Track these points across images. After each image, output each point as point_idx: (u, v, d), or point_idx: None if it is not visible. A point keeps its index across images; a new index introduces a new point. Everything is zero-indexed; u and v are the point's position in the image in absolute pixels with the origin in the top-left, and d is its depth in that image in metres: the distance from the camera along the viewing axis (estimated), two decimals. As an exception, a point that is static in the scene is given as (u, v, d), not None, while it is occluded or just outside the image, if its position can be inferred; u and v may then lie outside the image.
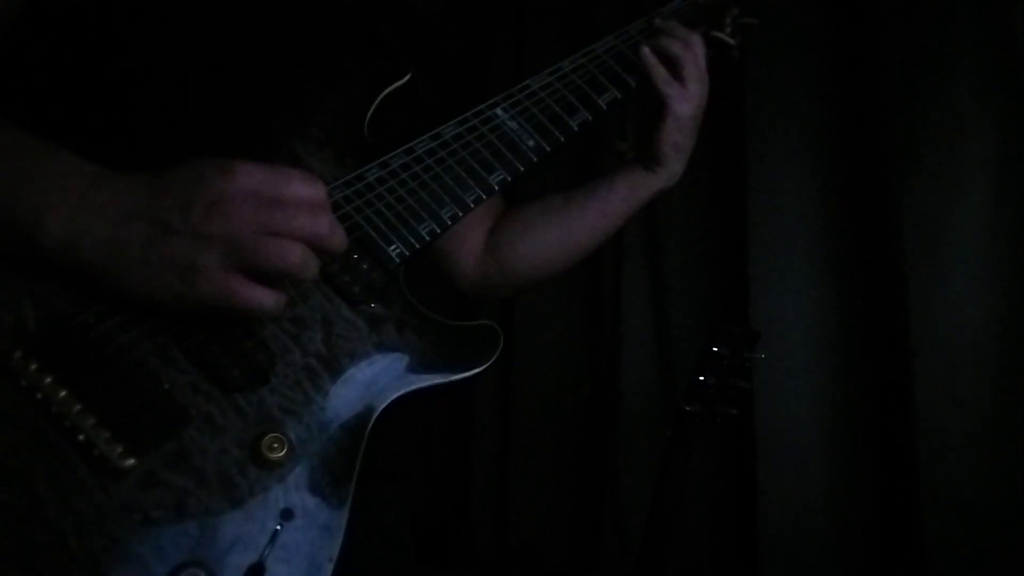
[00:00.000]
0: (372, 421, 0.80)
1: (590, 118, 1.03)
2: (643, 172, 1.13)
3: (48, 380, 0.70)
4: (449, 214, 0.91)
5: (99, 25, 0.87)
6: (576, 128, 1.02)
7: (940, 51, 1.95)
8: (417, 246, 0.88)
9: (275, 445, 0.74)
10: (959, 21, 1.94)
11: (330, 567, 0.72)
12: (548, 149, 1.00)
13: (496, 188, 0.96)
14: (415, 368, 0.84)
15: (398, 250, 0.87)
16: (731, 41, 1.17)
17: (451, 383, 0.85)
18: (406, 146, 0.93)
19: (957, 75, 1.94)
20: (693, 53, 1.07)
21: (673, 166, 1.12)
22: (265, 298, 0.72)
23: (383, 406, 0.81)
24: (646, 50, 1.06)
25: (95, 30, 0.87)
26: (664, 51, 1.06)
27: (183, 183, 0.71)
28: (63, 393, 0.70)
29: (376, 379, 0.81)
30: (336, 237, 0.74)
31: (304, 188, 0.73)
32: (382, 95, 0.93)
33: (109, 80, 0.88)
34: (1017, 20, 1.87)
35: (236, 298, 0.71)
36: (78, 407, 0.70)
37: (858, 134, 2.08)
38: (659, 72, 1.06)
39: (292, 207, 0.72)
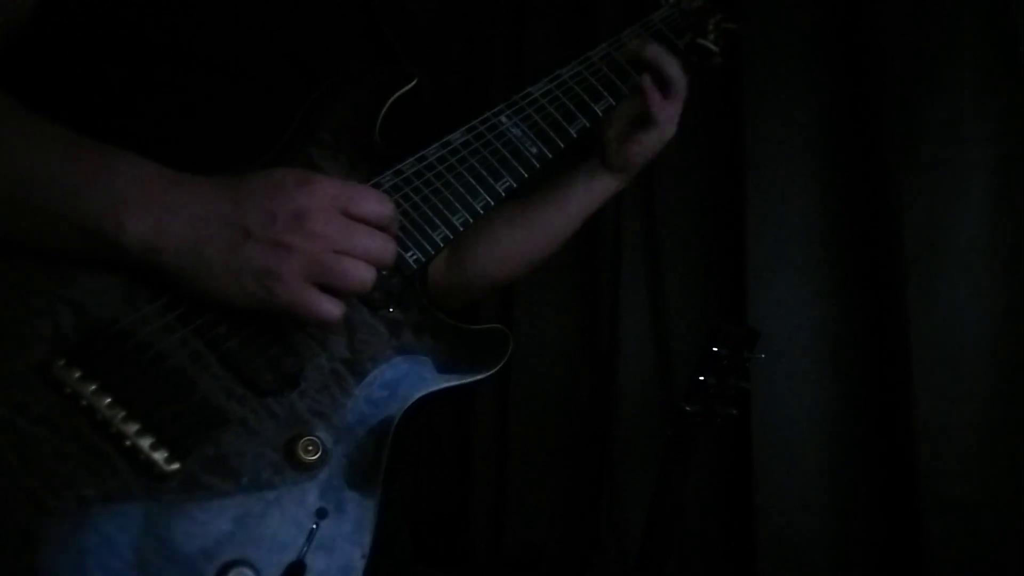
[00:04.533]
0: (395, 422, 0.82)
1: (588, 125, 1.07)
2: (606, 176, 1.18)
3: (92, 388, 0.72)
4: (460, 220, 0.94)
5: (108, 33, 0.87)
6: (575, 135, 1.05)
7: (940, 51, 1.95)
8: (432, 252, 0.91)
9: (310, 448, 0.76)
10: (959, 21, 1.94)
11: (363, 562, 0.76)
12: (550, 155, 1.03)
13: (503, 194, 0.98)
14: (433, 371, 0.86)
15: (415, 256, 0.90)
16: (714, 48, 1.22)
17: (465, 385, 0.87)
18: (418, 153, 0.95)
19: (957, 75, 1.94)
20: (682, 79, 1.13)
21: (632, 172, 1.18)
22: (334, 309, 0.76)
23: (405, 407, 0.83)
24: (647, 77, 1.11)
25: (104, 38, 0.87)
26: (665, 74, 1.12)
27: (265, 193, 0.75)
28: (107, 400, 0.72)
29: (398, 382, 0.84)
30: (394, 256, 0.79)
31: (376, 206, 0.78)
32: (391, 100, 0.95)
33: (120, 88, 0.88)
34: (1017, 20, 1.87)
35: (310, 308, 0.74)
36: (122, 414, 0.72)
37: (858, 134, 2.08)
38: (656, 97, 1.11)
39: (366, 229, 0.76)
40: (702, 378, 1.57)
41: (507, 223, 1.20)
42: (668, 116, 1.13)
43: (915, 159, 1.96)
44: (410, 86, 0.97)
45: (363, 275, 0.76)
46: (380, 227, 0.78)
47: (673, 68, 1.11)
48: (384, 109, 0.95)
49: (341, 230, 0.75)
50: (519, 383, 2.57)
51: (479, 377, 0.88)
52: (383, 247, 0.77)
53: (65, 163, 0.75)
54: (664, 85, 1.12)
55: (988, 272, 1.91)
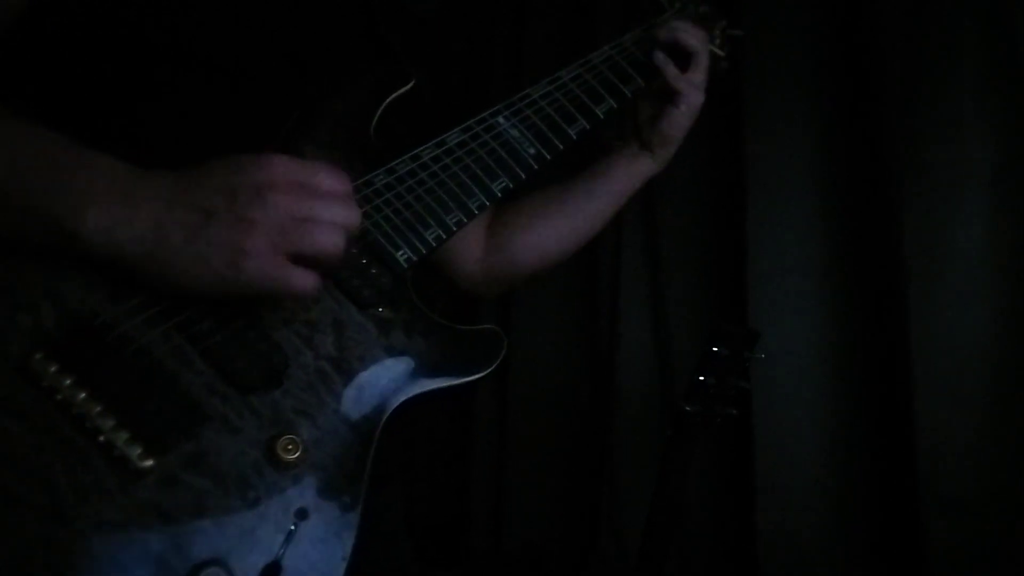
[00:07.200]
0: (382, 423, 0.81)
1: (588, 127, 1.06)
2: (641, 159, 1.19)
3: (68, 382, 0.71)
4: (455, 220, 0.93)
5: (108, 33, 0.87)
6: (575, 137, 1.05)
7: (940, 51, 1.95)
8: (424, 251, 0.90)
9: (290, 447, 0.75)
10: (959, 21, 1.94)
11: (343, 565, 0.74)
12: (549, 157, 1.02)
13: (499, 195, 0.98)
14: (423, 371, 0.85)
15: (406, 255, 0.89)
16: (721, 53, 1.23)
17: (457, 386, 0.86)
18: (412, 152, 0.95)
19: (957, 75, 1.94)
20: (703, 42, 1.16)
21: (670, 151, 1.19)
22: (309, 280, 0.75)
23: (392, 408, 0.82)
24: (660, 54, 1.14)
25: (104, 38, 0.87)
26: (683, 44, 1.15)
27: (222, 173, 0.74)
28: (83, 395, 0.71)
29: (386, 382, 0.83)
30: (359, 221, 0.79)
31: (332, 180, 0.77)
32: (388, 100, 0.95)
33: (120, 88, 0.88)
34: (1017, 20, 1.87)
35: (283, 281, 0.73)
36: (98, 408, 0.71)
37: (858, 134, 2.08)
38: (672, 70, 1.13)
39: (328, 197, 0.76)
40: (702, 378, 1.57)
41: (546, 210, 1.21)
42: (689, 84, 1.14)
43: (915, 160, 1.96)
44: (407, 88, 0.96)
45: (334, 239, 0.75)
46: (342, 199, 0.78)
47: (688, 37, 1.14)
48: (380, 109, 0.94)
49: (303, 199, 0.74)
50: (519, 383, 2.56)
51: (471, 379, 0.87)
52: (348, 213, 0.77)
53: (29, 159, 0.75)
54: (683, 57, 1.14)
55: (988, 272, 1.91)
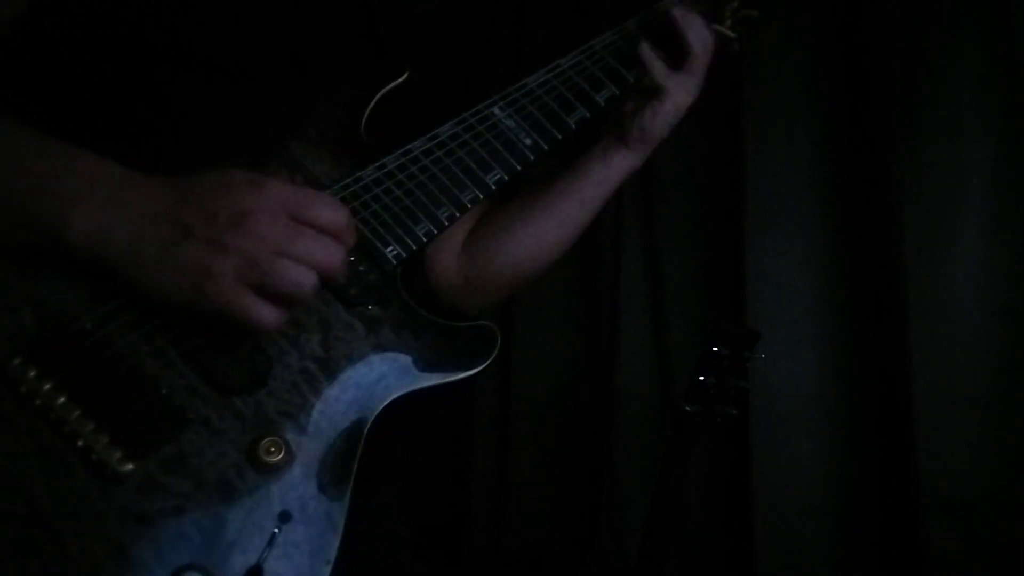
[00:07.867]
0: (368, 424, 0.80)
1: (588, 115, 1.03)
2: (620, 152, 1.12)
3: (47, 386, 0.71)
4: (446, 215, 0.91)
5: (108, 33, 0.87)
6: (574, 126, 1.02)
7: (940, 51, 1.95)
8: (414, 247, 0.89)
9: (273, 449, 0.74)
10: (959, 21, 1.94)
11: (328, 569, 0.73)
12: (546, 147, 0.99)
13: (493, 187, 0.95)
14: (413, 369, 0.84)
15: (395, 251, 0.87)
16: (731, 35, 1.17)
17: (449, 383, 0.85)
18: (403, 148, 0.93)
19: (957, 75, 1.93)
20: (704, 45, 1.08)
21: (649, 148, 1.13)
22: (268, 315, 0.73)
23: (380, 408, 0.81)
24: (645, 47, 1.07)
25: (103, 38, 0.87)
26: (683, 39, 1.07)
27: (211, 191, 0.73)
28: (62, 399, 0.71)
29: (374, 381, 0.82)
30: (342, 267, 0.76)
31: (327, 213, 0.75)
32: (379, 95, 0.94)
33: (108, 83, 0.88)
34: (1017, 20, 1.87)
35: (241, 311, 0.72)
36: (77, 413, 0.70)
37: (858, 135, 2.08)
38: (658, 67, 1.07)
39: (311, 233, 0.74)
40: (702, 378, 1.56)
41: (521, 215, 1.15)
42: (678, 84, 1.07)
43: (915, 160, 1.96)
44: (399, 81, 0.94)
45: (298, 277, 0.73)
46: (333, 235, 0.76)
47: (691, 34, 1.07)
48: (372, 104, 0.93)
49: (283, 232, 0.72)
50: (519, 383, 2.56)
51: (463, 375, 0.85)
52: (328, 252, 0.75)
53: (22, 162, 0.75)
54: (680, 50, 1.08)
55: (988, 272, 1.90)
